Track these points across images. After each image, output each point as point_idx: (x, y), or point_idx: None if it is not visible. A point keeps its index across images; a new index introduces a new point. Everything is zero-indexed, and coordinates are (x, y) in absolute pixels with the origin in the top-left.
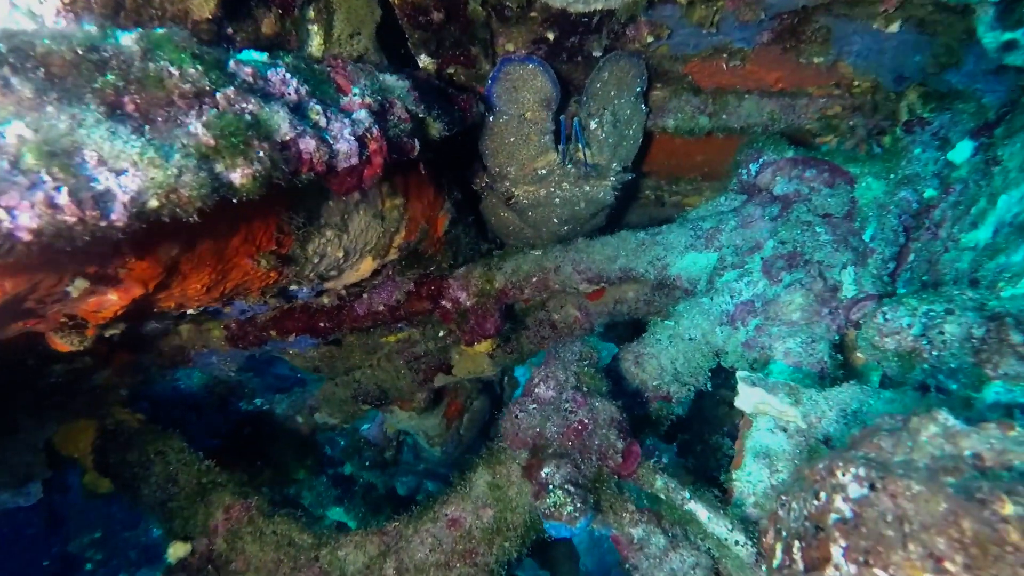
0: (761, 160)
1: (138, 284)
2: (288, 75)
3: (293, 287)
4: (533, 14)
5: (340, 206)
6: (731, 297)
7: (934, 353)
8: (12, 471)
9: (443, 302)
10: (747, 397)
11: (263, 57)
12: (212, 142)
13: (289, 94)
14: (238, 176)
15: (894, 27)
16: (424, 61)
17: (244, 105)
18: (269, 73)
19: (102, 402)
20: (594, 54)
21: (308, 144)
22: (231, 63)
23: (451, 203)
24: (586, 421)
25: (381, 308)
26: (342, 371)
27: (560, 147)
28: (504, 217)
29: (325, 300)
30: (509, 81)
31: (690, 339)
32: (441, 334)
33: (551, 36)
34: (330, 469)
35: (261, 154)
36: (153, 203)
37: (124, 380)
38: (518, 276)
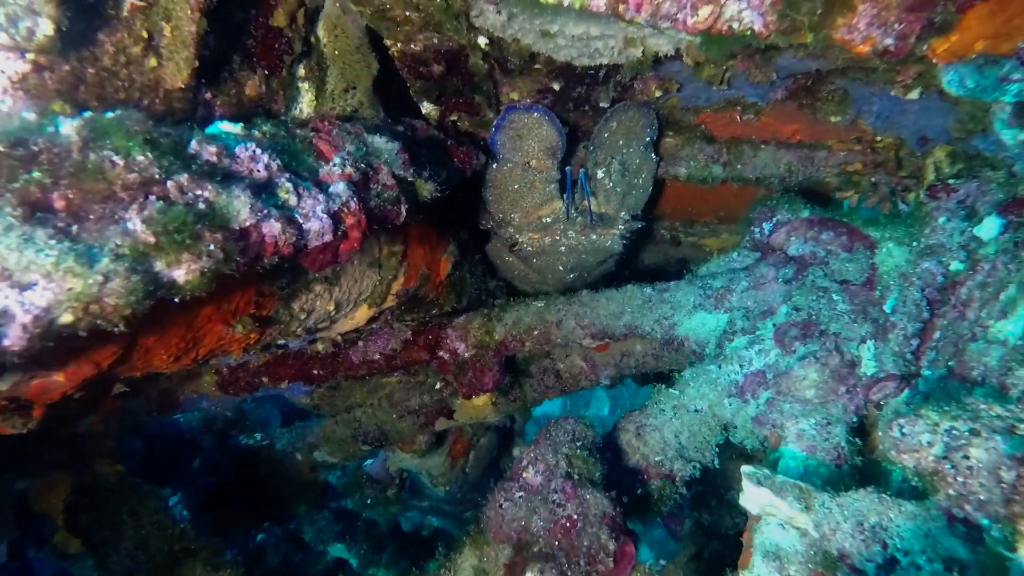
0: (775, 219)
1: (89, 365)
2: (258, 150)
3: (280, 341)
4: (537, 66)
5: None
6: (740, 366)
7: (959, 480)
8: None
9: (441, 353)
10: (753, 498)
11: (237, 127)
12: (151, 239)
13: (258, 171)
14: (182, 273)
15: (913, 95)
16: (427, 108)
17: (199, 192)
18: (237, 149)
19: (84, 452)
20: (601, 104)
21: (272, 228)
22: (193, 143)
23: (456, 245)
24: (575, 517)
25: (377, 357)
26: (342, 409)
27: (565, 196)
28: (509, 262)
29: (320, 347)
30: (513, 129)
31: (696, 411)
32: (438, 386)
33: (556, 87)
34: (332, 503)
35: (212, 247)
36: (66, 318)
37: (110, 427)
38: (519, 328)
